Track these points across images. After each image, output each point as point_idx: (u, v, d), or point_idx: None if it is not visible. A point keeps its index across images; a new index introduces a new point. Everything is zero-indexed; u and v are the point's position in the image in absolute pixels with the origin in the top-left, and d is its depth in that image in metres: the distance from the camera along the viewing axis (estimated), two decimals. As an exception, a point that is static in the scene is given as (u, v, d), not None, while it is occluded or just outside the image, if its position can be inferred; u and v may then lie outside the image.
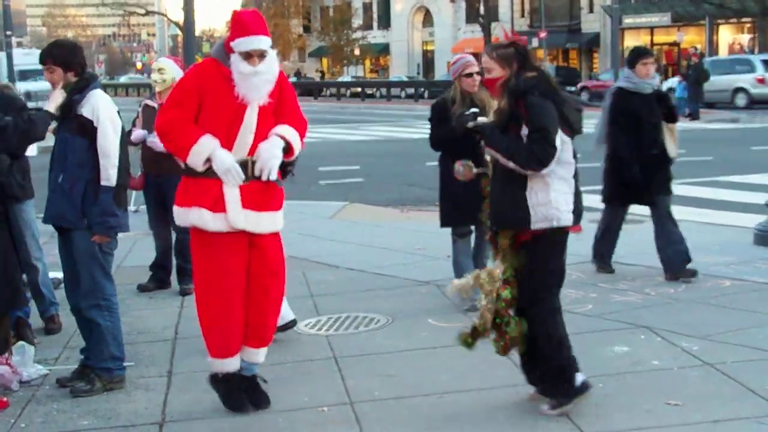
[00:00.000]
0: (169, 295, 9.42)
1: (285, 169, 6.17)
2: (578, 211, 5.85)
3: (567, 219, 5.75)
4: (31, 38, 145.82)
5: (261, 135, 5.91)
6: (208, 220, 5.85)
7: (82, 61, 6.68)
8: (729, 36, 58.14)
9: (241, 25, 5.84)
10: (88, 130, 6.41)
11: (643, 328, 7.59)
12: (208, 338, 6.06)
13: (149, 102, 9.54)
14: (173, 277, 9.61)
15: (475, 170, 6.34)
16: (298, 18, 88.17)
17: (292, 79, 71.68)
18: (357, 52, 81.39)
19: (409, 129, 32.38)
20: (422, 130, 30.25)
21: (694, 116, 34.04)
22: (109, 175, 6.40)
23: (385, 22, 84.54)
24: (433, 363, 6.65)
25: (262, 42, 5.83)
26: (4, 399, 6.43)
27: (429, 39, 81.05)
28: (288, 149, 5.99)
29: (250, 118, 5.87)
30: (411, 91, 57.20)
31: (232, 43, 5.83)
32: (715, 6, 51.60)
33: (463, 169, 6.43)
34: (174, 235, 9.56)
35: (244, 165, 5.86)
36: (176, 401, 6.43)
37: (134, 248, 11.26)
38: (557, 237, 5.82)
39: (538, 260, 5.78)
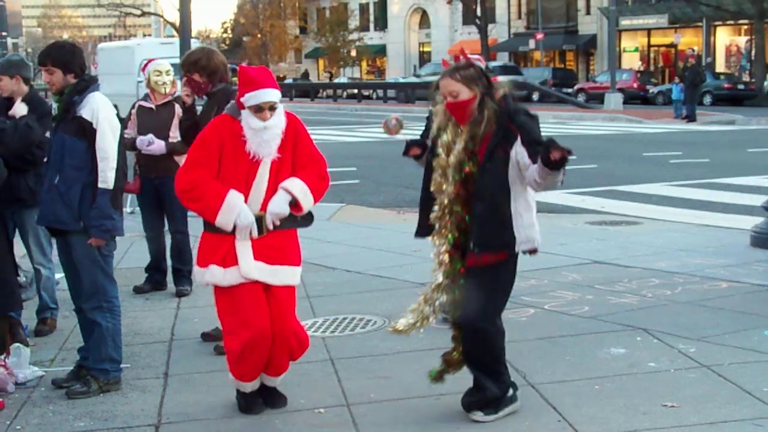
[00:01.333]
0: (165, 296, 9.41)
1: (295, 220, 6.08)
2: None
3: (539, 241, 5.73)
4: (27, 39, 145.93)
5: (273, 189, 5.94)
6: (218, 275, 5.90)
7: (82, 63, 6.67)
8: (726, 38, 58.23)
9: (249, 79, 5.85)
10: (87, 132, 6.41)
11: (640, 330, 7.59)
12: (232, 366, 6.09)
13: (144, 103, 9.51)
14: (169, 279, 9.60)
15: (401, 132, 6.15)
16: (295, 19, 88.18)
17: (288, 81, 71.68)
18: (353, 53, 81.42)
19: (405, 131, 32.34)
20: (418, 132, 30.19)
21: (691, 118, 34.09)
22: (107, 178, 6.40)
23: (381, 24, 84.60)
24: (430, 365, 6.61)
25: (272, 95, 5.84)
26: (0, 401, 6.42)
27: (426, 40, 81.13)
28: (295, 203, 5.97)
29: (263, 173, 5.90)
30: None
31: (242, 99, 5.84)
32: (712, 8, 51.67)
33: (395, 123, 6.29)
34: (169, 237, 9.55)
35: (258, 220, 5.90)
36: (172, 403, 6.41)
37: (130, 250, 11.25)
38: (515, 261, 5.76)
39: (502, 282, 5.72)
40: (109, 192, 6.40)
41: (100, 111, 6.44)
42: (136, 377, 6.94)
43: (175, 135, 8.93)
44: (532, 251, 5.71)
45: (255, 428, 5.94)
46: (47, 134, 7.70)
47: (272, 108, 5.85)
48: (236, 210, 5.81)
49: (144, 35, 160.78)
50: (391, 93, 57.20)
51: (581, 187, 16.50)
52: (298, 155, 6.03)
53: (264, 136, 5.83)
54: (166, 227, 9.61)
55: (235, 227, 5.85)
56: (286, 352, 6.09)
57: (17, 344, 7.08)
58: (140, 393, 6.62)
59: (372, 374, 6.79)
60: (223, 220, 5.83)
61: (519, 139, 5.46)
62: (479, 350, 5.78)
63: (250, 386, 6.14)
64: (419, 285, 9.40)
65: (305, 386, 6.52)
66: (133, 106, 9.59)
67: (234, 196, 5.82)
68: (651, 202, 15.14)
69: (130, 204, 13.59)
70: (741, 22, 54.48)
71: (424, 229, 5.88)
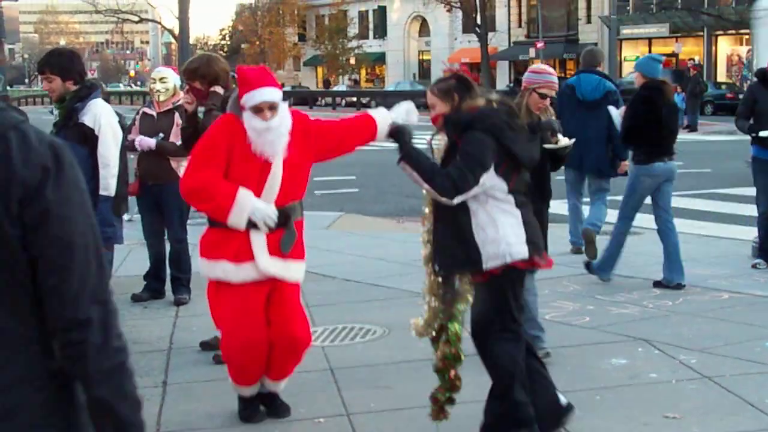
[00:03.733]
0: (163, 305, 9.37)
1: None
2: (534, 242, 5.51)
3: (520, 252, 5.41)
4: (24, 45, 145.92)
5: (286, 185, 5.86)
6: (230, 272, 5.81)
7: (81, 70, 6.66)
8: (727, 47, 58.30)
9: (245, 80, 5.77)
10: (89, 139, 6.40)
11: (641, 340, 7.56)
12: (230, 370, 6.08)
13: (147, 110, 9.48)
14: (167, 287, 9.57)
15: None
16: (294, 27, 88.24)
17: (291, 88, 71.69)
18: (353, 61, 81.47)
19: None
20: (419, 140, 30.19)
21: (692, 128, 34.09)
22: (108, 185, 6.38)
23: (381, 32, 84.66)
24: (430, 374, 6.57)
25: (270, 94, 5.74)
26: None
27: (425, 48, 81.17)
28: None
29: (276, 171, 5.81)
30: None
31: (241, 101, 5.76)
32: (713, 17, 51.76)
33: None
34: (168, 245, 9.52)
35: (280, 214, 5.83)
36: (171, 412, 6.39)
37: (128, 258, 11.21)
38: (511, 275, 5.47)
39: (489, 299, 5.51)
40: (110, 199, 6.38)
41: (102, 117, 6.42)
42: (134, 386, 6.89)
43: (174, 143, 8.91)
44: (521, 265, 5.47)
45: (254, 438, 5.92)
46: None
47: (272, 108, 5.74)
48: (248, 208, 5.70)
49: (141, 42, 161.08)
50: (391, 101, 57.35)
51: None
52: (321, 136, 6.02)
53: (268, 137, 5.71)
54: (166, 235, 9.58)
55: (250, 224, 5.75)
56: (292, 354, 6.03)
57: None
58: (138, 402, 6.58)
59: (372, 384, 6.77)
60: (235, 219, 5.72)
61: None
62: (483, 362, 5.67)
63: (249, 391, 6.10)
64: (419, 295, 9.35)
65: (305, 395, 6.49)
66: (137, 112, 9.58)
67: (244, 194, 5.71)
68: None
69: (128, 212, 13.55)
70: (742, 31, 54.46)
71: None
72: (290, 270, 5.92)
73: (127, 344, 2.59)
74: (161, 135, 9.10)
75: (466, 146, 5.35)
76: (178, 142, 8.45)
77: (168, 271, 9.57)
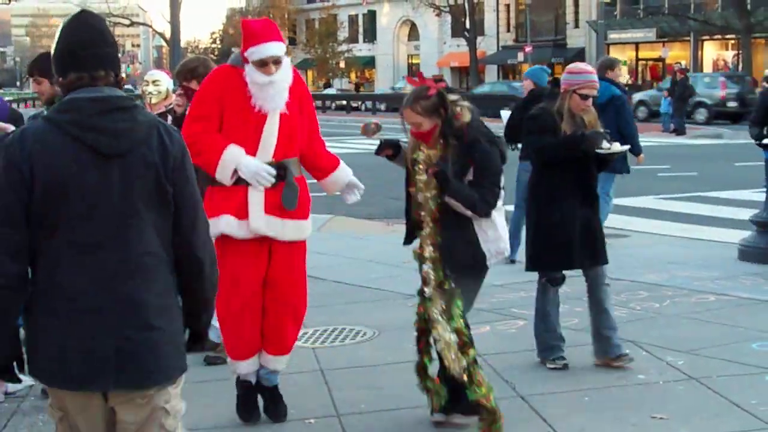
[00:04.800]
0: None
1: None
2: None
3: (508, 248, 5.92)
4: (15, 48, 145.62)
5: (282, 140, 5.87)
6: (234, 226, 5.81)
7: None
8: (713, 52, 58.47)
9: (252, 33, 5.74)
10: None
11: (629, 342, 7.60)
12: (226, 340, 6.11)
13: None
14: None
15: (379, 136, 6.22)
16: (284, 30, 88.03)
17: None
18: (342, 65, 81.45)
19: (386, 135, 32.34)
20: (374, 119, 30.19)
21: (679, 131, 34.18)
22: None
23: (370, 36, 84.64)
24: (420, 376, 6.64)
25: (275, 48, 5.73)
26: (-11, 410, 6.43)
27: (414, 53, 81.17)
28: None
29: (272, 125, 5.82)
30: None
31: (245, 54, 5.74)
32: (699, 22, 51.90)
33: (374, 127, 6.26)
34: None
35: (277, 168, 5.85)
36: None
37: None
38: (485, 267, 5.87)
39: (470, 290, 5.83)
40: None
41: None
42: (126, 387, 6.92)
43: None
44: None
45: (245, 438, 5.95)
46: None
47: (276, 62, 5.74)
48: (233, 163, 5.71)
49: (133, 45, 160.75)
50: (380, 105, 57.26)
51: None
52: (303, 104, 6.04)
53: (270, 91, 5.72)
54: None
55: (241, 180, 5.77)
56: (287, 318, 6.05)
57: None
58: (130, 403, 6.61)
59: (362, 385, 6.80)
60: (220, 175, 5.76)
61: (472, 167, 5.64)
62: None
63: (245, 366, 6.06)
64: (408, 296, 9.39)
65: (295, 396, 6.51)
66: None
67: (232, 150, 5.72)
68: (639, 215, 15.18)
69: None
70: (728, 36, 54.71)
71: (411, 237, 5.97)
72: (286, 228, 5.91)
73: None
74: None
75: (483, 161, 5.62)
76: None
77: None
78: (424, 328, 5.86)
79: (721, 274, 10.29)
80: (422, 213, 5.75)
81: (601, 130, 6.90)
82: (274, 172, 5.79)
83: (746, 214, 12.09)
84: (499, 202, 5.74)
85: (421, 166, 5.72)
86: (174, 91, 8.31)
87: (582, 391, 6.56)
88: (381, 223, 14.89)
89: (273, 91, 5.74)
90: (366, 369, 7.20)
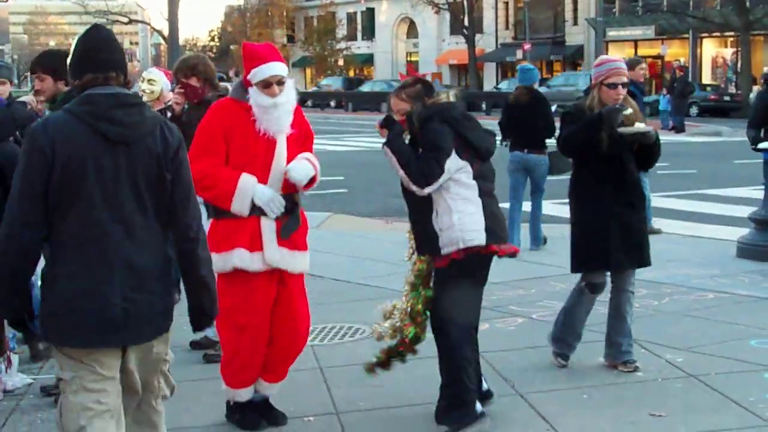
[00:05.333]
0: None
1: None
2: (492, 231, 5.74)
3: (474, 239, 5.66)
4: (13, 46, 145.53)
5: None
6: (247, 260, 5.73)
7: None
8: (712, 49, 58.45)
9: (255, 55, 5.73)
10: None
11: (628, 339, 7.61)
12: (226, 370, 5.98)
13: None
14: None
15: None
16: (282, 28, 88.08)
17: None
18: (341, 62, 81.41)
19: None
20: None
21: (678, 129, 34.19)
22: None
23: (369, 33, 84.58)
24: (418, 373, 6.65)
25: (279, 68, 5.73)
26: (-12, 408, 6.45)
27: (413, 50, 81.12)
28: (312, 180, 5.92)
29: (281, 150, 5.77)
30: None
31: (249, 76, 5.71)
32: (698, 20, 51.88)
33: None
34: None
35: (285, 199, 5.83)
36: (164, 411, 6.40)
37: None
38: (471, 260, 5.72)
39: (449, 283, 5.79)
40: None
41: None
42: (124, 385, 6.92)
43: None
44: (480, 251, 5.70)
45: (244, 436, 5.95)
46: None
47: (280, 83, 5.72)
48: (250, 193, 5.67)
49: (131, 43, 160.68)
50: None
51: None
52: (302, 130, 5.99)
53: (274, 114, 5.69)
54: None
55: (254, 210, 5.72)
56: (292, 349, 6.04)
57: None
58: (129, 401, 6.61)
59: (361, 383, 6.80)
60: (238, 205, 5.69)
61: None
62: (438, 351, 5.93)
63: (246, 394, 6.01)
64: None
65: (294, 394, 6.52)
66: None
67: (246, 179, 5.68)
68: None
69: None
70: (727, 34, 54.66)
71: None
72: (296, 260, 5.90)
73: None
74: None
75: (426, 136, 5.70)
76: None
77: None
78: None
79: (719, 271, 10.30)
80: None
81: (620, 107, 6.60)
82: (284, 202, 5.78)
83: (745, 211, 12.10)
84: (468, 192, 5.68)
85: None
86: (172, 90, 8.30)
87: (581, 389, 6.57)
88: (380, 221, 14.90)
89: (277, 114, 5.71)
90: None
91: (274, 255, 5.77)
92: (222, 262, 5.69)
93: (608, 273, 7.00)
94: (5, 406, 6.56)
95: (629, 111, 6.67)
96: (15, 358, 7.02)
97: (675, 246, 11.95)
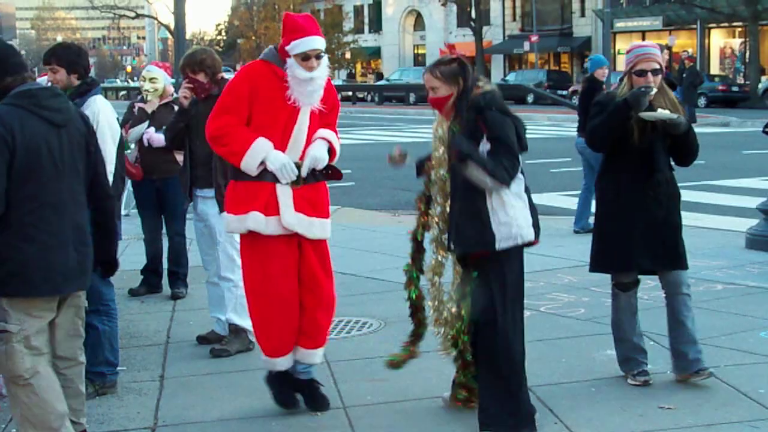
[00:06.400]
0: (160, 299, 9.40)
1: (327, 172, 6.05)
2: (536, 225, 5.68)
3: (529, 234, 5.60)
4: (21, 41, 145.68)
5: (312, 137, 5.92)
6: (261, 223, 5.80)
7: (86, 65, 6.69)
8: (720, 40, 58.30)
9: (296, 27, 5.78)
10: None
11: (636, 332, 7.58)
12: (262, 339, 6.07)
13: (142, 105, 9.48)
14: (165, 281, 9.59)
15: (408, 159, 5.97)
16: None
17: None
18: (348, 55, 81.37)
19: (400, 133, 32.40)
20: (413, 134, 30.33)
21: (690, 120, 34.03)
22: (106, 182, 6.39)
23: (376, 26, 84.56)
24: (426, 367, 6.63)
25: (319, 42, 5.78)
26: (-5, 404, 6.46)
27: (420, 42, 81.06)
28: (331, 152, 5.98)
29: (303, 121, 5.84)
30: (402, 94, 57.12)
31: (287, 47, 5.75)
32: (706, 10, 51.73)
33: (398, 155, 5.97)
34: (167, 239, 9.55)
35: (297, 167, 5.85)
36: (168, 406, 6.41)
37: (125, 252, 11.22)
38: (514, 252, 5.62)
39: (496, 275, 5.62)
40: (108, 197, 6.40)
41: (100, 114, 6.43)
42: (131, 380, 6.93)
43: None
44: (525, 245, 5.63)
45: (250, 431, 5.93)
46: None
47: (318, 57, 5.76)
48: (262, 154, 5.73)
49: (138, 38, 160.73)
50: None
51: (577, 189, 16.48)
52: (328, 101, 6.01)
53: (309, 87, 5.75)
54: (164, 230, 9.62)
55: (269, 175, 5.78)
56: (322, 311, 6.07)
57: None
58: (136, 396, 6.61)
59: (368, 377, 6.79)
60: (247, 163, 5.76)
61: (485, 136, 5.48)
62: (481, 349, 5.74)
63: (283, 362, 6.04)
64: (415, 287, 9.38)
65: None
66: (132, 106, 9.55)
67: (261, 142, 5.75)
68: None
69: (125, 206, 13.57)
70: (735, 24, 54.52)
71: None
72: (314, 227, 5.91)
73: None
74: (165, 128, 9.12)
75: (494, 130, 5.46)
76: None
77: (165, 265, 9.59)
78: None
79: (728, 262, 10.26)
80: (434, 191, 5.78)
81: (645, 89, 6.18)
82: (296, 171, 5.82)
83: (754, 202, 12.05)
84: (517, 187, 5.58)
85: (438, 143, 5.73)
86: (174, 83, 8.28)
87: (589, 382, 6.55)
88: (388, 214, 14.88)
89: (311, 88, 5.78)
90: (372, 361, 7.18)
91: (291, 219, 5.82)
92: (237, 222, 5.89)
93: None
94: (6, 406, 6.54)
95: (653, 91, 6.23)
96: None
97: (684, 237, 11.89)
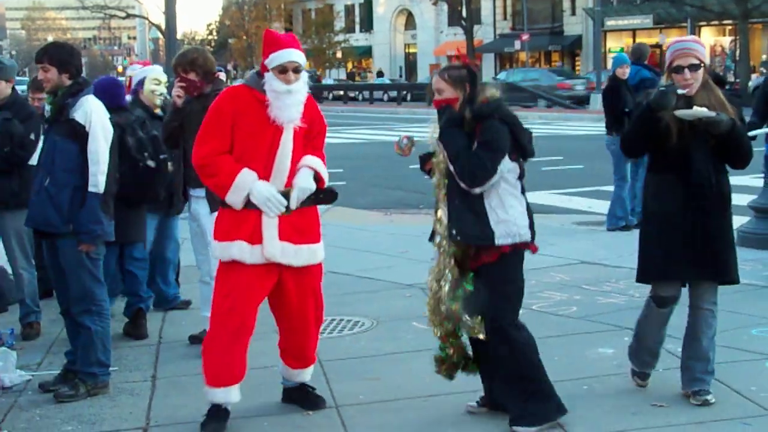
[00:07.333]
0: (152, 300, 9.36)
1: (318, 197, 6.00)
2: (532, 228, 5.75)
3: (527, 234, 5.69)
4: (11, 41, 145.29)
5: (297, 160, 5.86)
6: (247, 252, 5.74)
7: (78, 65, 6.67)
8: (711, 38, 58.37)
9: (274, 41, 5.78)
10: (79, 135, 6.38)
11: (628, 330, 7.53)
12: (208, 366, 5.90)
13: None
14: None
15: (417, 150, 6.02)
16: (280, 21, 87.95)
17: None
18: (339, 54, 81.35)
19: (391, 132, 32.38)
20: (404, 133, 30.20)
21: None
22: (98, 182, 6.36)
23: (367, 25, 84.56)
24: (418, 366, 6.63)
25: (297, 55, 5.76)
26: (-13, 405, 6.46)
27: (411, 42, 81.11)
28: (318, 179, 5.94)
29: (286, 144, 5.78)
30: (394, 93, 57.15)
31: (266, 61, 5.75)
32: (696, 8, 51.79)
33: (407, 142, 6.02)
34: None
35: (285, 195, 5.79)
36: (160, 406, 6.40)
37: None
38: (518, 254, 5.73)
39: (500, 278, 5.70)
40: (100, 196, 6.36)
41: (93, 114, 6.41)
42: (124, 380, 6.92)
43: None
44: (523, 246, 5.71)
45: (243, 431, 5.93)
46: (31, 136, 7.71)
47: (296, 71, 5.74)
48: (245, 189, 5.69)
49: (129, 38, 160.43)
50: (377, 94, 57.20)
51: (568, 187, 16.51)
52: (314, 124, 5.99)
53: (287, 101, 5.70)
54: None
55: (249, 204, 5.75)
56: (305, 337, 6.08)
57: (4, 348, 7.07)
58: (128, 396, 6.60)
59: (361, 376, 6.79)
60: (232, 198, 5.73)
61: (476, 140, 5.57)
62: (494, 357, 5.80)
63: (222, 395, 5.88)
64: (406, 286, 9.40)
65: (294, 388, 6.50)
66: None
67: (245, 175, 5.70)
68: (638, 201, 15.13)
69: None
70: (725, 22, 54.61)
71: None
72: (301, 254, 5.86)
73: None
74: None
75: (485, 134, 5.56)
76: None
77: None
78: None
79: (720, 260, 10.24)
80: (437, 194, 5.82)
81: (669, 86, 5.84)
82: (285, 202, 5.77)
83: (745, 199, 12.04)
84: (516, 191, 5.68)
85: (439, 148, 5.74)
86: (170, 83, 8.28)
87: (581, 380, 6.55)
88: (379, 213, 14.87)
89: (290, 101, 5.73)
90: (364, 360, 7.19)
91: (274, 250, 5.77)
92: (221, 250, 5.83)
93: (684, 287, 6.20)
94: (3, 402, 6.55)
95: (683, 91, 5.84)
96: (13, 355, 7.00)
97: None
